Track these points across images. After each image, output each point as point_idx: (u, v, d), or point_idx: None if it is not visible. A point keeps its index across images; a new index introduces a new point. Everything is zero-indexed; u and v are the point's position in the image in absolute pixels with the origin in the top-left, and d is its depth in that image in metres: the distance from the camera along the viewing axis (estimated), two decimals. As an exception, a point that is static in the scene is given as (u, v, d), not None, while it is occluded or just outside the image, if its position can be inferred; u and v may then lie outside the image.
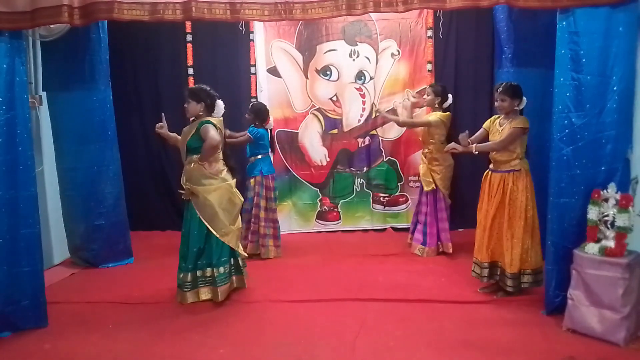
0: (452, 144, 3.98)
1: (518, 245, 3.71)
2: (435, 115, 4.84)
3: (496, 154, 3.81)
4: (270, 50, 5.80)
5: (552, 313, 3.50)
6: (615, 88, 3.24)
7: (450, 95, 4.90)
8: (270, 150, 5.12)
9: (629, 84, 3.28)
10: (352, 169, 5.98)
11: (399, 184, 5.96)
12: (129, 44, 5.72)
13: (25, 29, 3.49)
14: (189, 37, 5.81)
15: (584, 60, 3.26)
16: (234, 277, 4.00)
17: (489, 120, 4.01)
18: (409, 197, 5.94)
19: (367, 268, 4.62)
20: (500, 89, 3.78)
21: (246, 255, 4.21)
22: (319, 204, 5.99)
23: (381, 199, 5.99)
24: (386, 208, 5.98)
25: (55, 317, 3.58)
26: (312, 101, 5.90)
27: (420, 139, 5.07)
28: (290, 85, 5.87)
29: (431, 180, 4.88)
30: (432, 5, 3.49)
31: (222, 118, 3.90)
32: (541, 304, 3.60)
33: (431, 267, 4.64)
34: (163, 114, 4.03)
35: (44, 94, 4.70)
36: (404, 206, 5.96)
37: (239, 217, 4.02)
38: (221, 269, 3.85)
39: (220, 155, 3.86)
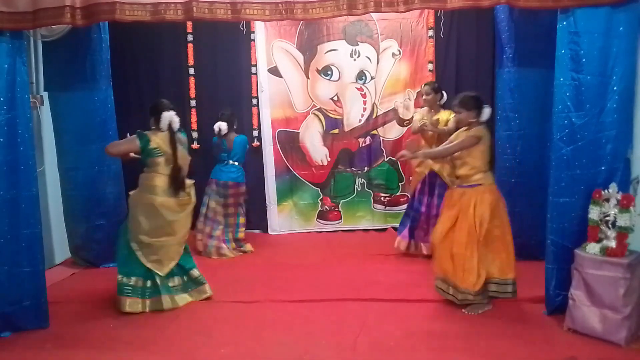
0: (402, 152, 3.91)
1: (465, 258, 3.55)
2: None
3: (458, 170, 3.66)
4: (271, 50, 5.81)
5: (553, 313, 3.50)
6: (615, 88, 3.24)
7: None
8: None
9: (629, 84, 3.27)
10: (353, 168, 5.98)
11: (399, 183, 5.96)
12: (130, 44, 5.73)
13: (27, 29, 3.49)
14: (189, 37, 5.81)
15: (584, 60, 3.26)
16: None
17: (455, 133, 3.84)
18: (409, 197, 5.93)
19: (367, 268, 4.63)
20: (456, 101, 3.70)
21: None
22: (320, 203, 6.00)
23: (382, 198, 5.99)
24: (387, 208, 5.97)
25: (56, 317, 3.58)
26: (313, 101, 5.90)
27: (425, 142, 4.83)
28: (291, 85, 5.87)
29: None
30: (433, 5, 3.49)
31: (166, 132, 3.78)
32: (542, 304, 3.60)
33: (431, 267, 4.62)
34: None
35: (45, 94, 4.71)
36: (404, 206, 5.93)
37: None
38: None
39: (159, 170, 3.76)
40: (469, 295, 3.59)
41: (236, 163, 5.17)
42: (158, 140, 3.75)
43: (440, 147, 3.78)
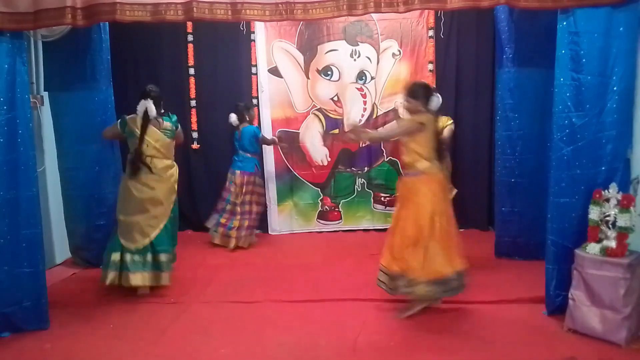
0: (347, 133, 3.87)
1: (408, 249, 3.48)
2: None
3: (404, 157, 3.63)
4: (271, 50, 5.81)
5: (553, 313, 3.50)
6: (615, 88, 3.24)
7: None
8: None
9: (629, 84, 3.27)
10: (353, 168, 5.98)
11: (400, 183, 5.95)
12: (130, 44, 5.73)
13: (28, 30, 3.49)
14: (190, 37, 5.82)
15: (584, 60, 3.26)
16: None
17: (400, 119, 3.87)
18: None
19: (368, 268, 4.60)
20: (404, 90, 3.69)
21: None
22: (320, 203, 6.00)
23: (382, 198, 5.99)
24: (387, 208, 5.96)
25: (56, 317, 3.58)
26: (313, 101, 5.90)
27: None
28: (291, 85, 5.87)
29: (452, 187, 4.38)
30: (433, 6, 3.49)
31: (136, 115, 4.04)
32: (542, 304, 3.60)
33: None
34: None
35: (45, 94, 4.71)
36: (405, 206, 5.96)
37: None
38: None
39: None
40: (413, 287, 3.46)
41: (247, 154, 5.38)
42: (132, 124, 4.04)
43: (382, 130, 3.72)
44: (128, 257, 3.98)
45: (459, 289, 3.58)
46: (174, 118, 4.23)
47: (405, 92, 3.67)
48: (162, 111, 4.19)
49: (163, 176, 4.08)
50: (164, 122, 4.14)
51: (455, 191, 4.53)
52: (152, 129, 4.03)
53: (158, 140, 4.06)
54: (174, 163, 4.24)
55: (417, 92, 3.60)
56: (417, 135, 3.51)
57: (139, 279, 3.98)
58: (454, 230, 3.62)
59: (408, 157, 3.60)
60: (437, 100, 3.61)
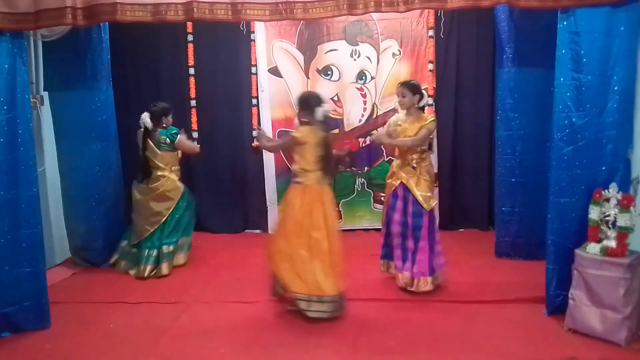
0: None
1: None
2: (430, 121, 3.90)
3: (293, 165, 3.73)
4: (271, 50, 5.80)
5: (553, 313, 3.50)
6: (615, 88, 3.24)
7: (425, 93, 4.04)
8: None
9: (630, 84, 3.28)
10: (353, 168, 5.98)
11: (400, 183, 5.95)
12: (130, 44, 5.72)
13: (29, 30, 3.49)
14: (190, 37, 5.81)
15: (584, 60, 3.26)
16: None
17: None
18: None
19: (367, 268, 4.61)
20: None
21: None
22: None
23: (382, 198, 5.94)
24: (387, 208, 5.97)
25: (56, 317, 3.58)
26: (313, 101, 5.89)
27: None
28: (291, 85, 5.86)
29: (432, 195, 3.98)
30: (433, 5, 3.49)
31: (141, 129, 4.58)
32: (542, 304, 3.60)
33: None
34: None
35: (45, 94, 4.70)
36: (405, 206, 5.95)
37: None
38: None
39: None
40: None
41: None
42: (136, 136, 4.64)
43: (274, 142, 3.92)
44: (141, 250, 4.58)
45: (316, 311, 3.47)
46: (172, 131, 4.63)
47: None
48: (164, 125, 4.64)
49: (152, 186, 4.60)
50: (160, 135, 4.58)
51: (435, 202, 4.01)
52: (148, 141, 4.56)
53: (151, 151, 4.57)
54: (165, 175, 4.62)
55: (303, 103, 3.66)
56: (296, 147, 3.57)
57: (149, 270, 4.52)
58: (328, 247, 3.51)
59: (293, 166, 3.71)
60: (321, 110, 3.58)
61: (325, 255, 3.50)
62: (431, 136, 4.06)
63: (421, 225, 3.87)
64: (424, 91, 4.03)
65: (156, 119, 4.56)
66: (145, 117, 4.52)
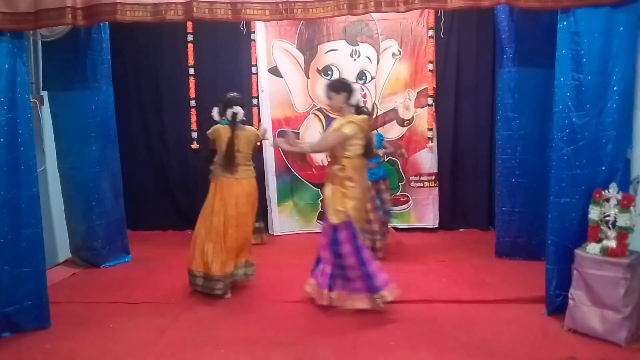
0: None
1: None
2: (341, 123, 3.55)
3: None
4: (272, 50, 5.81)
5: (553, 313, 3.50)
6: (615, 88, 3.24)
7: (354, 89, 3.67)
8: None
9: (630, 84, 3.28)
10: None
11: (400, 184, 5.95)
12: (130, 43, 5.73)
13: (29, 30, 3.49)
14: (189, 37, 5.82)
15: (584, 60, 3.26)
16: None
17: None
18: (410, 197, 5.94)
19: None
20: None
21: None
22: (320, 204, 5.98)
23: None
24: (387, 208, 5.97)
25: (56, 317, 3.58)
26: (313, 101, 5.90)
27: (329, 154, 3.81)
28: (291, 85, 5.87)
29: (343, 209, 3.53)
30: (433, 5, 3.48)
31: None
32: (542, 304, 3.60)
33: (432, 267, 4.64)
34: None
35: (45, 94, 4.71)
36: (405, 206, 5.96)
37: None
38: None
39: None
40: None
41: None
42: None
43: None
44: None
45: (215, 290, 3.89)
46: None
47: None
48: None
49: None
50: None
51: (342, 220, 3.55)
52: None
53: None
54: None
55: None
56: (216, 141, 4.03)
57: None
58: (234, 233, 3.96)
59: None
60: (230, 112, 3.94)
61: (231, 242, 3.95)
62: (374, 142, 4.02)
63: (326, 233, 3.66)
64: (353, 87, 3.64)
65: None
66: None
